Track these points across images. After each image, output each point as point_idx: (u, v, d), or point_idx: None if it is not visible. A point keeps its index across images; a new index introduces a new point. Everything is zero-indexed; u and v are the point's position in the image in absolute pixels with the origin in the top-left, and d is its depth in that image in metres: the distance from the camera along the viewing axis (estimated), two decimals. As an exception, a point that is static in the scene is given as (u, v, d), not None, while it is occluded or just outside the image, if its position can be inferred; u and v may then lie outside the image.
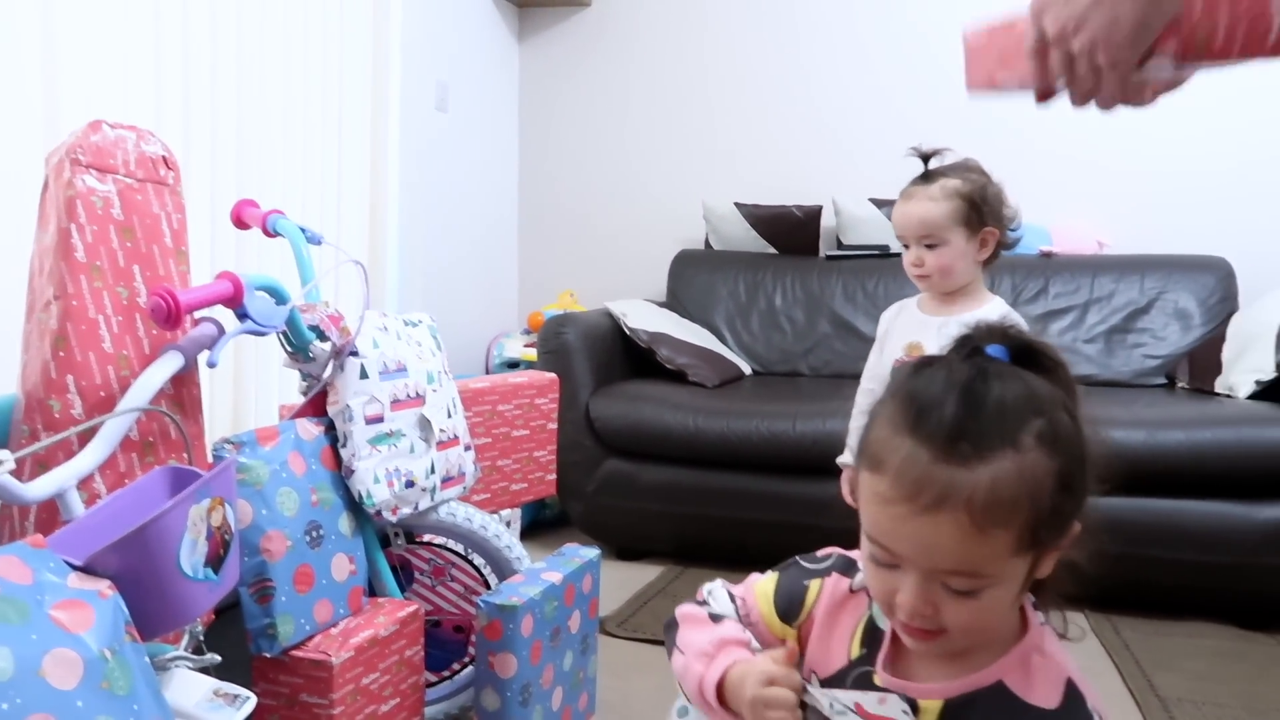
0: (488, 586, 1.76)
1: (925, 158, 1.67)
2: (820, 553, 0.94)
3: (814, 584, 0.91)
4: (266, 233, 1.62)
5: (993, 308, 1.69)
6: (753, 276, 3.34)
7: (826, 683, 0.87)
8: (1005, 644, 0.79)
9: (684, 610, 0.96)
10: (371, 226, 2.75)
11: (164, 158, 1.34)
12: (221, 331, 1.31)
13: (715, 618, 0.93)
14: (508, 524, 1.79)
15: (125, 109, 1.92)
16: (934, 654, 0.79)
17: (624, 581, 2.52)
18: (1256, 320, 2.67)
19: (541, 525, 2.95)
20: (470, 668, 1.80)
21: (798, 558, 0.95)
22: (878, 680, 0.82)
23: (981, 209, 1.64)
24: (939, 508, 0.68)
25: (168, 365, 1.24)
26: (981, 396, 0.70)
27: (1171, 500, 2.31)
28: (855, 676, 0.85)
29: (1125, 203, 3.22)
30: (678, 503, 2.62)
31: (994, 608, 0.74)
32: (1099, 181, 3.25)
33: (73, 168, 1.23)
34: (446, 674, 1.81)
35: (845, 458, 1.81)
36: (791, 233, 3.37)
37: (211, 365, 1.26)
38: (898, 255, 3.26)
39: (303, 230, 1.60)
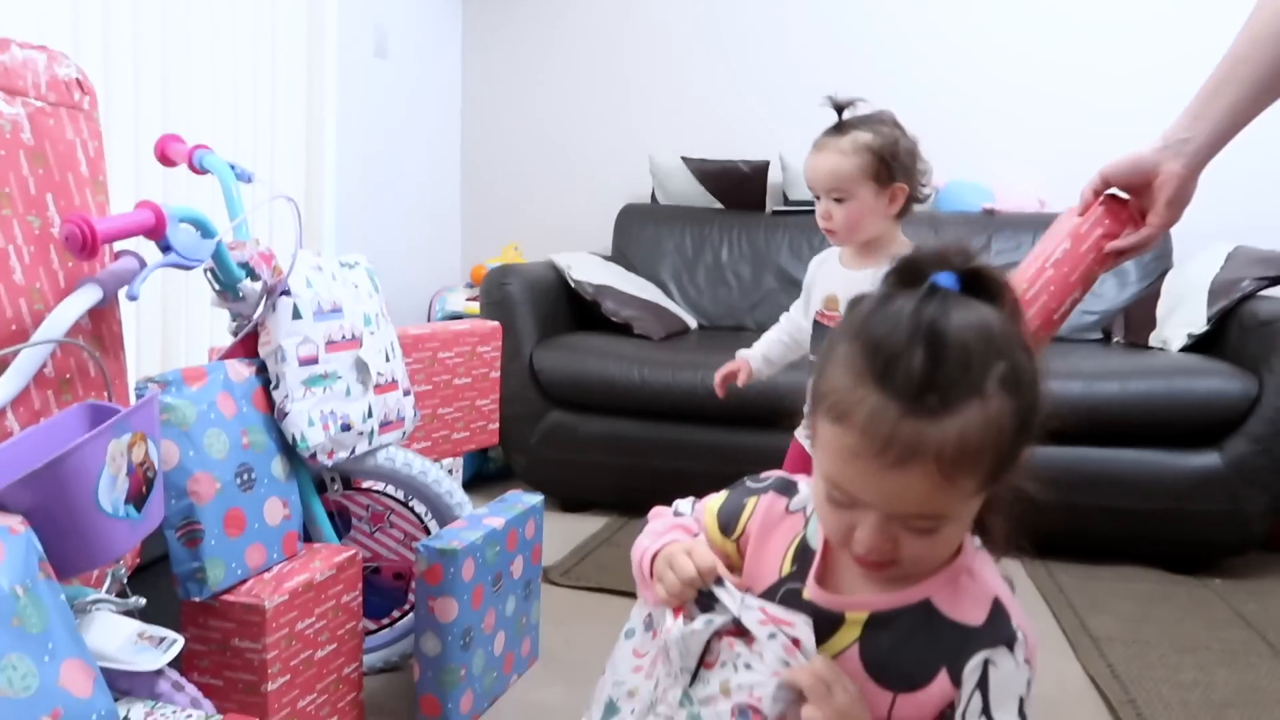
0: (428, 533, 1.73)
1: (839, 108, 1.62)
2: (764, 474, 0.94)
3: (751, 501, 0.91)
4: (194, 169, 1.55)
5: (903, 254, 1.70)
6: (699, 231, 3.32)
7: (762, 595, 0.87)
8: (936, 564, 0.79)
9: (656, 509, 0.97)
10: (308, 174, 2.67)
11: (78, 81, 1.27)
12: (143, 265, 1.25)
13: (677, 513, 0.95)
14: (449, 472, 1.76)
15: (40, 33, 1.82)
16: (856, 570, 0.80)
17: (567, 532, 2.52)
18: (1189, 277, 2.73)
19: (484, 479, 2.92)
20: (410, 615, 1.77)
21: (745, 478, 0.95)
22: (806, 594, 0.83)
23: (891, 164, 1.59)
24: (907, 462, 0.68)
25: (85, 298, 1.18)
26: (945, 344, 0.68)
27: (1106, 449, 2.36)
28: (783, 593, 0.85)
29: (1066, 162, 3.23)
30: (622, 454, 2.62)
31: (949, 540, 0.75)
32: (1040, 141, 3.29)
33: (-23, 88, 1.16)
34: (386, 622, 1.78)
35: (744, 351, 1.85)
36: (738, 188, 3.35)
37: (132, 298, 1.21)
38: (842, 210, 3.31)
39: (232, 167, 1.54)
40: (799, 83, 3.43)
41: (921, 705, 0.77)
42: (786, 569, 0.86)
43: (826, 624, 0.81)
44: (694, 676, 0.78)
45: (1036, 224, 3.12)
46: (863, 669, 0.79)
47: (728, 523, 0.92)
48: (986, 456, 0.69)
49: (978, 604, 0.78)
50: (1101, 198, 1.13)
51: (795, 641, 0.77)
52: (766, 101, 3.49)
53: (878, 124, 1.61)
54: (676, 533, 0.91)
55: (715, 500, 0.95)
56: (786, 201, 3.34)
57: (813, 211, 3.26)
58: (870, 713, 0.79)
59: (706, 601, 0.82)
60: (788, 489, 0.90)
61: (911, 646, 0.78)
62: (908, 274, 0.76)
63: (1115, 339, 2.91)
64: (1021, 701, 0.76)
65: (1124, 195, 1.12)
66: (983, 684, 0.75)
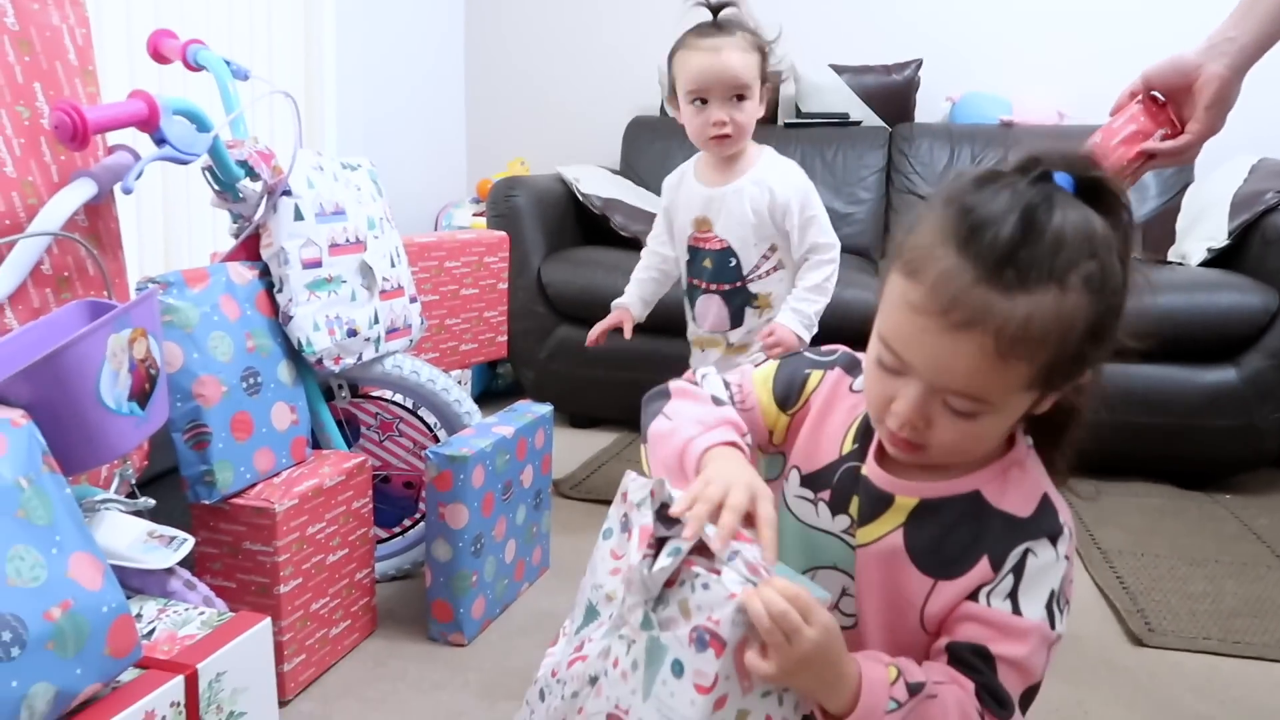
0: (437, 442, 1.72)
1: (715, 9, 1.55)
2: (827, 347, 0.91)
3: (815, 373, 0.88)
4: (188, 65, 1.49)
5: (771, 159, 1.62)
6: (709, 144, 3.24)
7: (808, 479, 0.85)
8: (989, 459, 0.78)
9: (678, 384, 0.91)
10: (306, 76, 2.59)
11: (63, -37, 1.21)
12: (137, 158, 1.20)
13: (716, 400, 0.89)
14: (459, 383, 1.74)
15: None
16: (917, 465, 0.78)
17: (576, 447, 2.51)
18: (1211, 190, 2.66)
19: (493, 395, 2.91)
20: (421, 524, 1.77)
21: (804, 349, 0.92)
22: (864, 470, 0.81)
23: (767, 62, 1.55)
24: (967, 328, 0.66)
25: (79, 191, 1.14)
26: (1042, 224, 0.67)
27: (1119, 365, 2.31)
28: (842, 471, 0.83)
29: (1086, 73, 3.15)
30: (630, 370, 2.57)
31: (984, 433, 0.73)
32: (1060, 50, 3.18)
33: (-43, -33, 1.10)
34: (398, 530, 1.78)
35: (621, 300, 1.79)
36: (749, 99, 3.26)
37: (127, 191, 1.16)
38: (858, 124, 3.22)
39: (227, 63, 1.48)
40: (813, -11, 3.31)
41: (957, 594, 0.76)
42: (848, 447, 0.84)
43: (876, 503, 0.80)
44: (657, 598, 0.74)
45: (1055, 136, 3.04)
46: (905, 553, 0.78)
47: (787, 395, 0.88)
48: (1048, 348, 0.67)
49: (1026, 497, 0.76)
50: (1139, 97, 1.07)
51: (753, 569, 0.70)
52: (779, 9, 3.37)
53: (745, 21, 1.56)
54: (731, 430, 0.83)
55: (765, 369, 0.91)
56: (799, 114, 3.25)
57: (826, 124, 3.22)
58: (906, 598, 0.77)
59: (667, 520, 0.74)
60: (853, 367, 0.87)
61: (957, 535, 0.77)
62: (1025, 168, 0.73)
63: (1134, 255, 2.86)
64: (1053, 594, 0.75)
65: (1162, 98, 1.06)
66: (1018, 569, 0.74)
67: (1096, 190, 0.71)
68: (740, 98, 1.52)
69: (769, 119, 3.29)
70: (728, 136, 1.54)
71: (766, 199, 1.58)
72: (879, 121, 3.20)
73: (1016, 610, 0.74)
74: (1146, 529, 2.10)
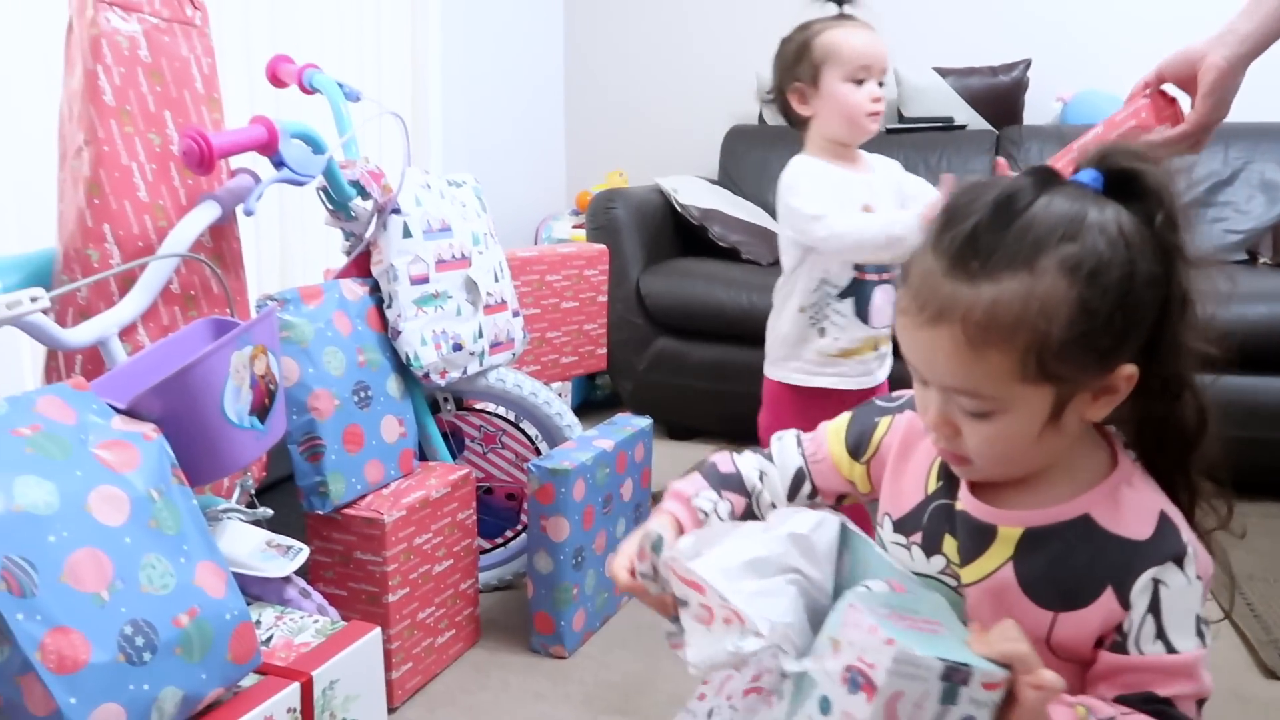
0: (539, 454, 1.74)
1: (841, 2, 1.55)
2: (896, 392, 0.90)
3: (884, 420, 0.87)
4: (303, 88, 1.55)
5: (866, 156, 1.60)
6: (809, 152, 3.20)
7: (901, 523, 0.83)
8: (1093, 478, 0.74)
9: (714, 458, 0.94)
10: (413, 96, 2.67)
11: (191, -4, 1.27)
12: (257, 180, 1.25)
13: (722, 476, 0.91)
14: (559, 395, 1.76)
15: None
16: (1011, 486, 0.75)
17: (675, 459, 2.50)
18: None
19: (592, 406, 2.93)
20: (523, 535, 1.79)
21: (874, 399, 0.92)
22: (959, 505, 0.78)
23: None
24: (938, 321, 0.66)
25: (205, 214, 1.20)
26: (1011, 212, 0.66)
27: (1249, 377, 2.20)
28: (931, 510, 0.80)
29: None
30: (729, 381, 2.57)
31: (1008, 436, 0.70)
32: (1178, 45, 3.02)
33: (95, 5, 1.16)
34: (500, 541, 1.80)
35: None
36: (849, 105, 3.20)
37: (248, 213, 1.22)
38: (962, 128, 3.13)
39: (340, 86, 1.54)
40: (915, -8, 3.24)
41: (1083, 624, 0.72)
42: (932, 486, 0.81)
43: (977, 536, 0.76)
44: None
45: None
46: (1018, 587, 0.74)
47: (859, 444, 0.88)
48: (1022, 333, 0.64)
49: (1141, 517, 0.71)
50: (1148, 90, 1.06)
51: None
52: (882, 12, 3.31)
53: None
54: (669, 505, 0.88)
55: (839, 422, 0.91)
56: (901, 119, 3.18)
57: (930, 128, 3.14)
58: (1028, 634, 0.74)
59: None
60: None
61: (1071, 563, 0.72)
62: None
63: (1262, 259, 2.70)
64: (1198, 618, 0.70)
65: (1173, 93, 1.05)
66: (1154, 607, 0.70)
67: (1129, 183, 0.68)
68: (884, 82, 1.52)
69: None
70: (880, 114, 1.52)
71: (893, 179, 1.58)
72: (985, 124, 3.11)
73: (1171, 649, 0.69)
74: (1278, 553, 1.97)
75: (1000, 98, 3.09)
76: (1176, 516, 0.72)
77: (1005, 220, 0.65)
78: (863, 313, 1.54)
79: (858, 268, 1.57)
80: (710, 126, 3.40)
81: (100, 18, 1.16)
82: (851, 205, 1.52)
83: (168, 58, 1.23)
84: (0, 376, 1.61)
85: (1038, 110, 3.11)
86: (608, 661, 1.55)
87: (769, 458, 0.94)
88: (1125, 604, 0.70)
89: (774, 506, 0.91)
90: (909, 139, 3.12)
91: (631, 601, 1.75)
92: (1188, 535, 0.71)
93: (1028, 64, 3.06)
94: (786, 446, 0.93)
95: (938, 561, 0.80)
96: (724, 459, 0.93)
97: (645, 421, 1.78)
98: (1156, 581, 0.69)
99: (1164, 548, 0.70)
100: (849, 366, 1.56)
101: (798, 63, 1.53)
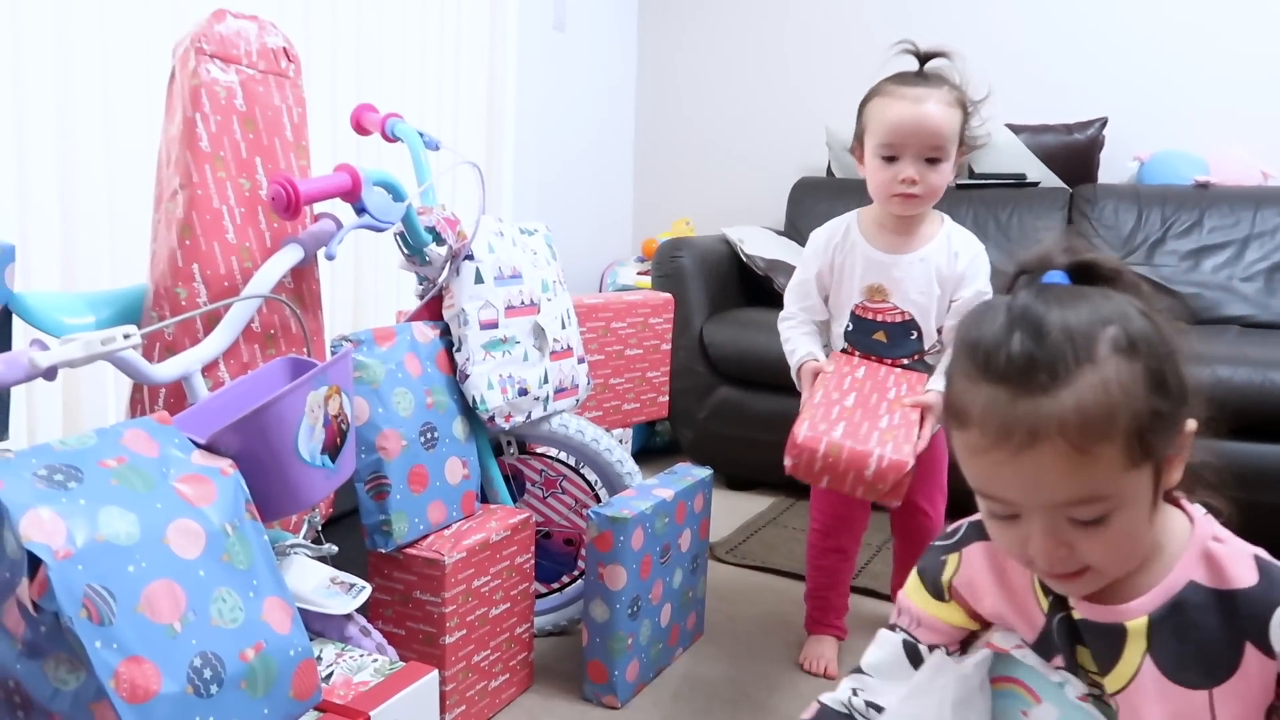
0: (598, 500, 1.74)
1: (923, 59, 1.44)
2: (950, 528, 0.91)
3: (951, 558, 0.88)
4: (385, 137, 1.61)
5: (953, 228, 1.54)
6: (876, 205, 3.19)
7: (1038, 644, 0.83)
8: (1181, 542, 0.74)
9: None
10: (488, 145, 2.74)
11: (285, 49, 1.33)
12: (339, 226, 1.30)
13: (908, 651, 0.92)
14: (620, 442, 1.76)
15: (244, 3, 1.93)
16: (1116, 582, 0.75)
17: (733, 510, 2.49)
18: None
19: (651, 452, 2.93)
20: (580, 581, 1.79)
21: (932, 543, 0.92)
22: (1077, 615, 0.78)
23: (969, 122, 1.45)
24: (1034, 442, 0.66)
25: (288, 256, 1.24)
26: (1043, 322, 0.67)
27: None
28: (1057, 625, 0.80)
29: (1296, 129, 2.93)
30: (789, 433, 2.55)
31: (1129, 530, 0.70)
32: (1262, 104, 2.96)
33: (197, 57, 1.23)
34: (556, 586, 1.80)
35: (803, 356, 1.62)
36: (919, 160, 3.20)
37: (330, 258, 1.26)
38: (1034, 184, 3.10)
39: (420, 135, 1.59)
40: (984, 46, 3.23)
41: (1244, 692, 0.71)
42: (1044, 602, 0.81)
43: (1110, 640, 0.76)
44: None
45: (1258, 198, 2.83)
46: (1164, 677, 0.74)
47: (935, 589, 0.90)
48: (1119, 420, 0.65)
49: (1241, 564, 0.72)
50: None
51: None
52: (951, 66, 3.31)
53: (952, 75, 1.45)
54: None
55: (913, 579, 0.92)
56: (972, 175, 3.16)
57: (1001, 185, 3.11)
58: (1194, 717, 0.73)
59: None
60: (985, 532, 0.84)
61: (1202, 634, 0.72)
62: (1013, 281, 0.75)
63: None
64: None
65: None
66: None
67: (1090, 273, 0.72)
68: (935, 160, 1.41)
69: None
70: (915, 197, 1.43)
71: (950, 268, 1.50)
72: (1058, 182, 3.07)
73: None
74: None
75: (1075, 155, 3.06)
76: (1266, 555, 0.73)
77: (1042, 330, 0.67)
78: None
79: (854, 346, 1.59)
80: (778, 178, 3.42)
81: (201, 69, 1.22)
82: (856, 281, 1.53)
83: (261, 107, 1.28)
84: (88, 406, 1.68)
85: (1114, 169, 3.07)
86: (660, 714, 1.53)
87: (860, 670, 0.93)
88: (1270, 653, 0.69)
89: (876, 705, 0.90)
90: (979, 195, 3.09)
91: (685, 654, 1.74)
92: None
93: (1104, 122, 3.03)
94: (881, 639, 0.94)
95: (1083, 679, 0.80)
96: (810, 708, 0.93)
97: (705, 472, 1.78)
98: None
99: (1276, 584, 0.71)
100: None
101: (858, 121, 1.50)
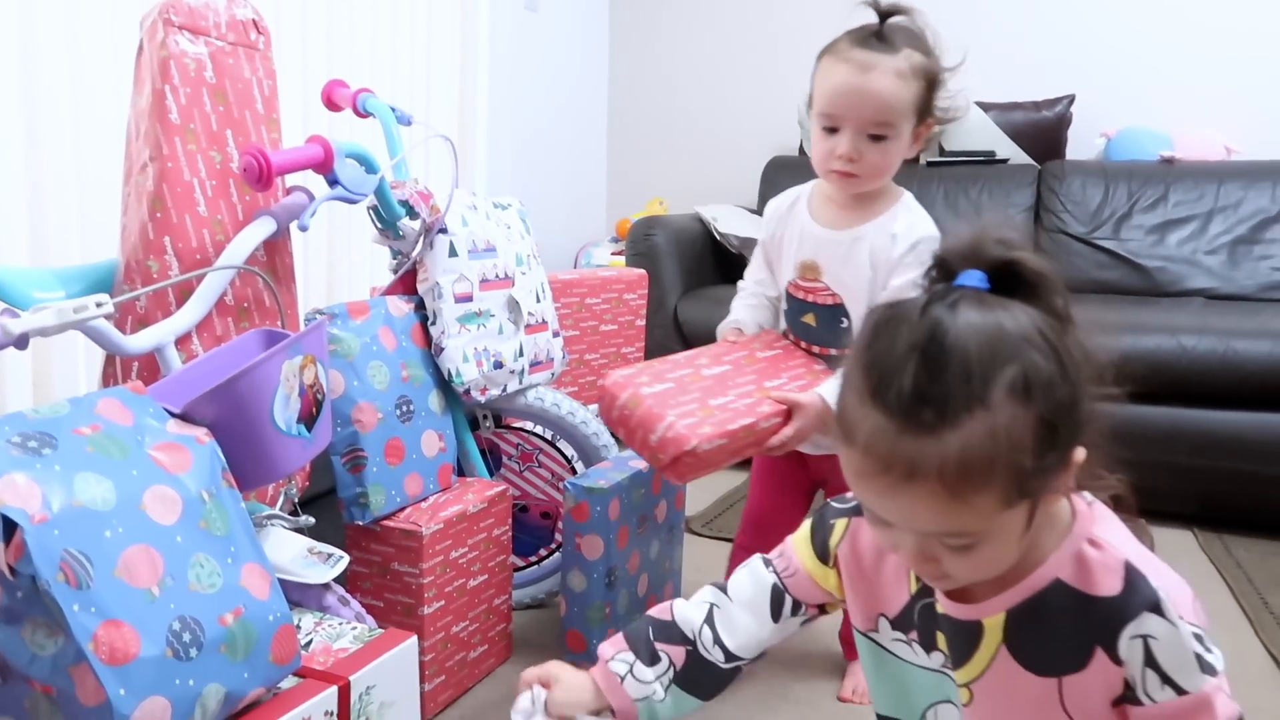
0: (575, 473, 1.75)
1: (884, 14, 1.26)
2: (850, 493, 0.88)
3: (839, 523, 0.88)
4: (357, 112, 1.60)
5: (904, 209, 1.35)
6: (848, 183, 3.22)
7: (896, 622, 0.85)
8: (1057, 536, 0.74)
9: (653, 609, 0.96)
10: (460, 122, 2.73)
11: (254, 21, 1.32)
12: (312, 198, 1.30)
13: (660, 627, 0.93)
14: (595, 416, 1.77)
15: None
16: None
17: (709, 484, 2.50)
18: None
19: (627, 431, 2.95)
20: (557, 554, 1.80)
21: (830, 500, 0.92)
22: (939, 608, 0.79)
23: (934, 94, 1.27)
24: (911, 479, 0.64)
25: (261, 228, 1.24)
26: (942, 354, 0.64)
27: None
28: (920, 609, 0.82)
29: (1255, 104, 2.98)
30: (766, 409, 2.58)
31: (995, 556, 0.70)
32: (1226, 81, 3.01)
33: (165, 28, 1.22)
34: (534, 559, 1.82)
35: (731, 321, 1.51)
36: (891, 138, 3.22)
37: (303, 229, 1.26)
38: (1004, 162, 3.13)
39: (393, 110, 1.58)
40: (956, 26, 3.26)
41: (1087, 686, 0.73)
42: (914, 585, 0.83)
43: (966, 636, 0.78)
44: None
45: (1221, 173, 2.87)
46: (1019, 666, 0.75)
47: (822, 549, 0.90)
48: (999, 471, 0.63)
49: (1110, 573, 0.72)
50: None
51: None
52: (923, 48, 3.33)
53: (919, 39, 1.26)
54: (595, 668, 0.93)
55: (803, 529, 0.93)
56: (943, 153, 3.19)
57: (971, 162, 3.14)
58: (1041, 704, 0.75)
59: None
60: None
61: (1059, 631, 0.73)
62: (937, 274, 0.72)
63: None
64: (1197, 655, 0.70)
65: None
66: (1149, 660, 0.70)
67: (1016, 275, 0.68)
68: (879, 136, 1.25)
69: (911, 157, 3.25)
70: (852, 175, 1.28)
71: (885, 252, 1.32)
72: (1028, 159, 3.11)
73: (1181, 691, 0.70)
74: (1328, 595, 1.93)
75: (1043, 133, 3.09)
76: (1142, 562, 0.72)
77: (939, 363, 0.64)
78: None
79: (791, 328, 1.45)
80: (751, 156, 3.43)
81: (170, 40, 1.22)
82: (791, 255, 1.39)
83: (231, 79, 1.28)
84: (58, 380, 1.67)
85: (1081, 146, 3.11)
86: (638, 682, 1.55)
87: (724, 589, 0.93)
88: (1117, 661, 0.71)
89: (724, 644, 0.91)
90: (950, 172, 3.13)
91: (663, 624, 1.75)
92: (1158, 580, 0.71)
93: (1071, 99, 3.06)
94: (755, 570, 0.94)
95: (937, 657, 0.82)
96: (663, 608, 0.94)
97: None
98: (1144, 637, 0.70)
99: (1136, 600, 0.70)
100: None
101: (811, 79, 1.33)
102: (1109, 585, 0.71)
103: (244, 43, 1.30)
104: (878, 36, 1.25)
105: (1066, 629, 0.72)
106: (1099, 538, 0.73)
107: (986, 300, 0.66)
